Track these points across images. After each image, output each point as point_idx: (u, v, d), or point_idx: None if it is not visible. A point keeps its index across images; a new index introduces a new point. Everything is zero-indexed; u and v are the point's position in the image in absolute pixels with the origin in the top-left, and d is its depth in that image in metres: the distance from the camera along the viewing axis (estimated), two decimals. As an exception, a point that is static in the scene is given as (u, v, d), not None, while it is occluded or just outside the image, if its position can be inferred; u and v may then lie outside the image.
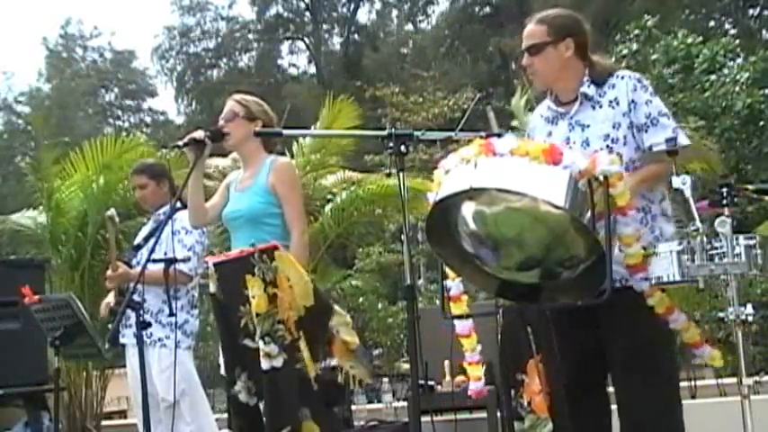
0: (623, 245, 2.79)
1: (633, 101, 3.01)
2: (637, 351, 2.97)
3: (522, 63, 3.14)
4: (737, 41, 14.82)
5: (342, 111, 8.28)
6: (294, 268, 3.51)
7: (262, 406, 3.50)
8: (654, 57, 13.00)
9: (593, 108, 3.07)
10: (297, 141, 8.33)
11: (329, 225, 8.11)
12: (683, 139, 2.99)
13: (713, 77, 12.74)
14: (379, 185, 8.14)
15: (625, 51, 13.15)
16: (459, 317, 3.19)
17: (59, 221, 7.55)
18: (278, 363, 3.41)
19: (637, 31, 13.28)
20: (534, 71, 3.12)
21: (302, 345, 3.48)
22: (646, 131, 2.99)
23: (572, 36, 3.08)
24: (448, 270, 3.10)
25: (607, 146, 2.98)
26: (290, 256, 3.53)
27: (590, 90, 3.07)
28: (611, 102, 3.04)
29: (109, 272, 4.57)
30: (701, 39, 13.36)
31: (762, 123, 12.69)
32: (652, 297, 2.85)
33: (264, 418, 3.47)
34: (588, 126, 3.06)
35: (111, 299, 4.64)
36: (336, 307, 3.68)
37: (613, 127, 3.01)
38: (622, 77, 3.07)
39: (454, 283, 3.17)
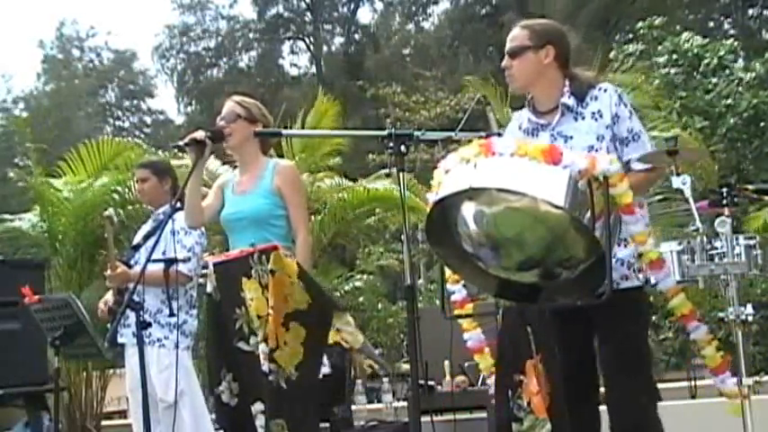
0: (637, 243, 2.81)
1: (617, 114, 3.04)
2: (630, 352, 3.01)
3: (503, 64, 3.18)
4: (737, 42, 14.82)
5: (328, 112, 8.11)
6: (289, 266, 3.49)
7: (258, 407, 3.48)
8: (661, 59, 12.97)
9: (576, 119, 3.09)
10: (288, 141, 8.13)
11: (324, 229, 7.98)
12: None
13: (714, 80, 12.73)
14: (373, 191, 7.90)
15: (631, 49, 13.13)
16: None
17: (58, 222, 7.55)
18: (279, 365, 3.40)
19: (643, 31, 13.25)
20: (512, 74, 3.15)
21: (289, 340, 3.46)
22: (626, 146, 3.04)
23: (553, 44, 3.12)
24: (448, 270, 3.10)
25: None
26: (284, 257, 3.50)
27: (570, 101, 3.10)
28: (593, 114, 3.07)
29: (108, 271, 4.56)
30: (707, 40, 13.36)
31: (763, 124, 12.68)
32: (675, 298, 2.85)
33: (264, 420, 3.46)
34: (571, 137, 3.07)
35: (109, 297, 4.63)
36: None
37: (597, 139, 3.04)
38: (605, 90, 3.10)
39: (457, 287, 3.17)
